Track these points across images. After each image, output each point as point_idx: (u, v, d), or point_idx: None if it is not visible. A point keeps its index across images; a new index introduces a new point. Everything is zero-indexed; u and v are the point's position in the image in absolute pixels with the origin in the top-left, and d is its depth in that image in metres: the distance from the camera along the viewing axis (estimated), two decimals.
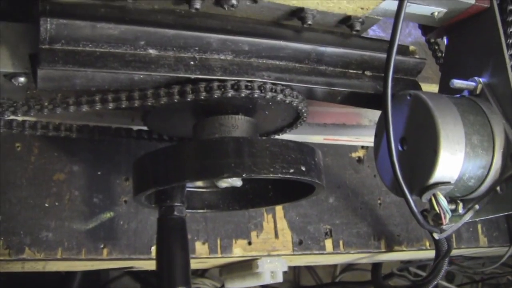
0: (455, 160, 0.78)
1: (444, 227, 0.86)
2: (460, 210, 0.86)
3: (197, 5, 0.74)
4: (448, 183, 0.79)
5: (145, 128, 0.92)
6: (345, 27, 0.86)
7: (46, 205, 0.94)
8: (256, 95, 0.76)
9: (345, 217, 1.14)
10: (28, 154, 0.95)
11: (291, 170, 0.74)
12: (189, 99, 0.75)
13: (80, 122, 0.88)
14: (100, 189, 0.98)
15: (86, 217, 0.96)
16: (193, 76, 0.74)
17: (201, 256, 1.03)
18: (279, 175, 0.73)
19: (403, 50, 0.90)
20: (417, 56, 0.90)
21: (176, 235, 0.84)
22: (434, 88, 1.10)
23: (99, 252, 0.96)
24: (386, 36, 1.14)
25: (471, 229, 1.24)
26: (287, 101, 0.79)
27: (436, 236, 0.92)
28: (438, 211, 0.81)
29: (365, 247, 1.15)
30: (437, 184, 0.78)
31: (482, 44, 0.87)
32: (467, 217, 0.86)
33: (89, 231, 0.96)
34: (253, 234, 1.06)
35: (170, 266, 0.82)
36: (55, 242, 0.93)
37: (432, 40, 1.01)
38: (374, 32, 1.16)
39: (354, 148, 1.18)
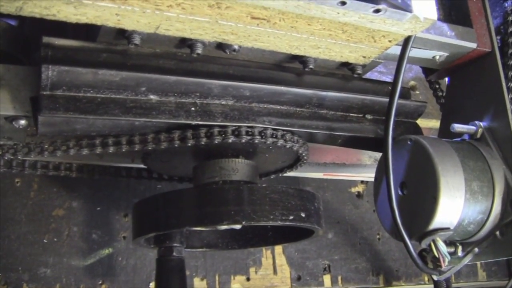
0: (454, 207, 0.78)
1: (443, 269, 0.86)
2: (459, 253, 0.86)
3: (199, 50, 0.75)
4: (447, 229, 0.79)
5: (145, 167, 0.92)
6: (346, 69, 0.86)
7: (45, 241, 0.94)
8: (257, 141, 0.76)
9: (344, 253, 1.14)
10: (27, 190, 0.95)
11: (291, 217, 0.74)
12: (189, 145, 0.75)
13: (80, 162, 0.87)
14: (99, 225, 0.98)
15: (85, 253, 0.96)
16: (194, 123, 0.74)
17: None
18: (279, 222, 0.73)
19: (404, 93, 0.90)
20: (418, 99, 0.90)
21: (174, 276, 0.84)
22: (434, 123, 1.11)
23: None
24: (387, 71, 1.15)
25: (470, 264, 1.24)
26: (288, 146, 0.79)
27: (435, 277, 0.92)
28: (437, 256, 0.81)
29: (363, 283, 1.14)
30: (436, 230, 0.78)
31: (483, 88, 0.87)
32: (466, 260, 0.86)
33: (88, 267, 0.96)
34: (252, 270, 1.06)
35: None
36: (53, 279, 0.93)
37: (437, 87, 1.02)
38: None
39: (353, 183, 1.18)
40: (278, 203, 0.74)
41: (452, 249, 0.86)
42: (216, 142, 0.75)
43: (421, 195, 0.80)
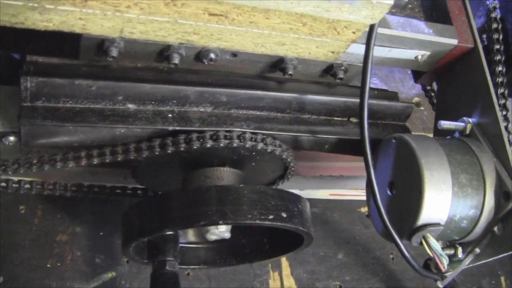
0: (442, 200, 0.76)
1: (447, 274, 0.83)
2: (460, 254, 0.83)
3: (176, 60, 0.77)
4: (437, 224, 0.76)
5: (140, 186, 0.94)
6: (330, 76, 0.86)
7: (48, 265, 0.96)
8: (235, 145, 0.77)
9: (356, 273, 1.11)
10: (31, 216, 0.98)
11: (270, 217, 0.73)
12: (169, 151, 0.76)
13: (75, 181, 0.90)
14: (102, 249, 1.00)
15: (88, 277, 0.97)
16: (170, 128, 0.76)
17: None
18: (257, 222, 0.73)
19: (390, 96, 0.90)
20: (405, 101, 0.89)
21: None
22: None
23: None
24: (389, 88, 1.15)
25: (493, 281, 1.19)
26: (269, 150, 0.79)
27: (439, 284, 0.88)
28: (431, 255, 0.79)
29: None
30: (425, 226, 0.76)
31: (470, 85, 0.86)
32: (467, 261, 0.83)
33: None
34: None
35: None
36: None
37: (429, 88, 1.01)
38: (376, 85, 1.17)
39: (362, 203, 1.16)
40: (256, 202, 0.74)
41: (452, 251, 0.84)
42: (195, 147, 0.76)
43: (407, 192, 0.78)
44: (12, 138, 0.77)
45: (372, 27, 0.70)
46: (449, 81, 0.90)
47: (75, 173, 0.92)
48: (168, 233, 0.86)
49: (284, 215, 0.75)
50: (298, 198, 0.79)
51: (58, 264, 0.97)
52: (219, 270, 1.04)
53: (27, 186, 0.86)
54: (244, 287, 1.04)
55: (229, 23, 0.67)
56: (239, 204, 0.73)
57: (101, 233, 1.00)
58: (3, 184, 0.85)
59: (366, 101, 0.72)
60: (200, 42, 0.71)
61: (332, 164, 1.12)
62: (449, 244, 0.84)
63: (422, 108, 1.17)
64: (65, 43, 0.78)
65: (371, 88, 0.90)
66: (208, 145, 0.76)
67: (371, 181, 0.75)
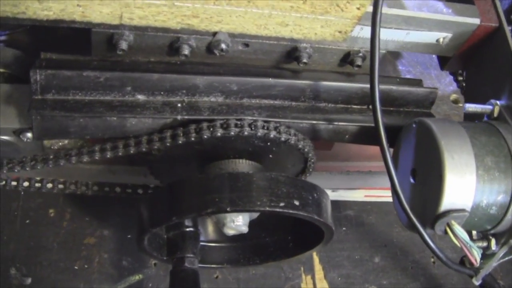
0: (465, 184, 0.71)
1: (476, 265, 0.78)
2: (493, 247, 0.78)
3: (186, 51, 0.77)
4: (462, 210, 0.71)
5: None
6: (349, 66, 0.84)
7: (76, 267, 0.97)
8: (246, 133, 0.75)
9: (394, 277, 1.06)
10: (60, 220, 0.99)
11: (281, 204, 0.71)
12: (180, 142, 0.75)
13: (96, 180, 0.90)
14: (129, 252, 0.99)
15: (115, 279, 0.97)
16: (179, 117, 0.75)
17: None
18: (267, 209, 0.70)
19: (414, 83, 0.86)
20: (428, 87, 0.85)
21: (187, 286, 0.82)
22: None
23: None
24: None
25: None
26: (283, 139, 0.77)
27: (474, 281, 0.83)
28: (458, 245, 0.74)
29: None
30: (448, 211, 0.71)
31: (497, 67, 0.81)
32: (501, 253, 0.77)
33: None
34: None
35: None
36: None
37: (460, 78, 0.96)
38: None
39: None
40: (266, 189, 0.71)
41: (485, 243, 0.78)
42: (205, 136, 0.75)
43: (429, 178, 0.74)
44: (29, 135, 0.79)
45: (376, 1, 0.68)
46: (476, 65, 0.85)
47: (96, 172, 0.93)
48: (187, 229, 0.86)
49: (296, 202, 0.72)
50: (313, 186, 0.76)
51: (86, 266, 0.97)
52: (249, 273, 1.01)
53: (49, 185, 0.87)
54: None
55: (227, 3, 0.66)
56: (248, 190, 0.71)
57: (129, 236, 1.00)
58: (26, 183, 0.86)
59: (377, 76, 0.69)
60: (201, 26, 0.71)
61: (367, 164, 1.08)
62: (482, 236, 0.79)
63: (460, 104, 1.12)
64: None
65: (393, 77, 0.88)
66: (219, 134, 0.75)
67: (387, 165, 0.72)
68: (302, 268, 1.03)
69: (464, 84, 0.94)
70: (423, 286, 1.06)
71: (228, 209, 0.70)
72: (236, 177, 0.73)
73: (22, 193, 0.99)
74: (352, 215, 1.10)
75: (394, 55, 1.11)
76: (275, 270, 1.03)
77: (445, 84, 1.15)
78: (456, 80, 0.97)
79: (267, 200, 0.71)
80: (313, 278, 1.03)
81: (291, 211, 0.72)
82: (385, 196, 1.10)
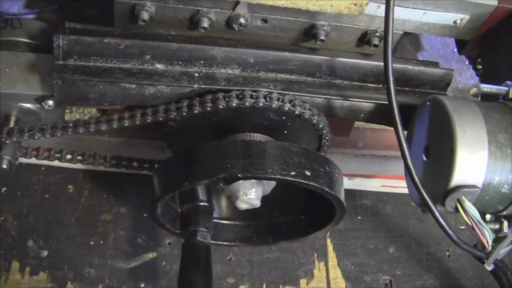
0: (477, 160, 0.71)
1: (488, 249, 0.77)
2: (505, 229, 0.77)
3: (205, 23, 0.78)
4: (473, 186, 0.71)
5: None
6: (367, 47, 0.85)
7: (91, 243, 0.98)
8: (261, 104, 0.76)
9: (408, 268, 1.05)
10: (79, 196, 1.01)
11: (292, 173, 0.72)
12: (196, 112, 0.76)
13: (114, 153, 0.91)
14: (144, 230, 1.01)
15: (129, 256, 0.98)
16: (195, 86, 0.77)
17: None
18: (278, 176, 0.71)
19: (431, 65, 0.86)
20: (444, 68, 0.85)
21: (198, 259, 0.83)
22: None
23: None
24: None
25: None
26: (297, 112, 0.78)
27: (486, 266, 0.82)
28: (469, 223, 0.73)
29: None
30: (459, 187, 0.71)
31: None
32: None
33: (131, 270, 0.97)
34: (303, 281, 1.01)
35: None
36: (97, 279, 0.96)
37: (479, 67, 0.96)
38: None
39: None
40: (278, 158, 0.72)
41: (497, 225, 0.77)
42: (221, 106, 0.76)
43: (440, 154, 0.74)
44: (50, 102, 0.81)
45: None
46: (494, 49, 0.85)
47: (114, 144, 0.95)
48: (201, 204, 0.87)
49: (308, 173, 0.73)
50: (326, 160, 0.77)
51: (101, 242, 0.98)
52: (262, 257, 1.02)
53: (69, 156, 0.89)
54: (287, 275, 1.01)
55: None
56: (259, 158, 0.72)
57: (145, 215, 1.01)
58: (46, 153, 0.88)
59: (390, 42, 0.69)
60: None
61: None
62: (494, 218, 0.78)
63: (479, 99, 1.12)
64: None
65: (410, 59, 0.88)
66: (234, 104, 0.76)
67: (399, 137, 0.72)
68: (315, 255, 1.03)
69: (481, 69, 0.94)
70: (438, 278, 1.05)
71: (239, 175, 0.71)
72: (248, 144, 0.74)
73: (43, 168, 1.02)
74: (368, 205, 1.10)
75: (414, 47, 1.11)
76: (289, 254, 1.03)
77: (466, 78, 1.16)
78: (474, 68, 0.97)
79: (278, 168, 0.71)
80: (326, 265, 1.03)
81: (301, 181, 0.72)
82: (402, 187, 1.10)
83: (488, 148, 0.71)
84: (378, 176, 1.09)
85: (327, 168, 0.76)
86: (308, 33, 0.83)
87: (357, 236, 1.06)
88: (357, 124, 1.07)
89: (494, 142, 0.72)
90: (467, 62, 1.11)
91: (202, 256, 0.84)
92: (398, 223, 1.09)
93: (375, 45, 0.83)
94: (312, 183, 0.73)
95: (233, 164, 0.71)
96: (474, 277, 1.06)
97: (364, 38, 0.84)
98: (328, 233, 1.06)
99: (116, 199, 1.02)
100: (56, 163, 0.91)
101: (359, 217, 1.08)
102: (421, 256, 1.07)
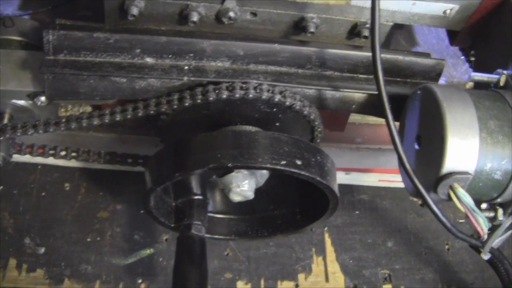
0: (468, 146, 0.70)
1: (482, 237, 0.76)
2: (500, 217, 0.76)
3: (194, 17, 0.79)
4: (465, 173, 0.71)
5: None
6: (357, 39, 0.85)
7: (88, 240, 0.98)
8: (251, 96, 0.76)
9: (407, 262, 1.05)
10: (75, 194, 1.02)
11: (283, 162, 0.72)
12: (187, 104, 0.77)
13: (107, 149, 0.92)
14: (141, 227, 1.01)
15: (126, 252, 0.98)
16: (185, 78, 0.77)
17: None
18: (268, 165, 0.71)
19: (421, 55, 0.86)
20: (435, 58, 0.85)
21: (193, 253, 0.83)
22: None
23: (137, 287, 0.96)
24: None
25: None
26: (288, 103, 0.78)
27: (483, 256, 0.81)
28: (462, 210, 0.73)
29: None
30: (451, 173, 0.71)
31: (504, 39, 0.81)
32: (508, 223, 0.76)
33: (128, 266, 0.97)
34: (301, 276, 1.01)
35: (185, 283, 0.80)
36: (94, 275, 0.96)
37: (472, 59, 0.96)
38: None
39: None
40: (268, 147, 0.72)
41: (492, 214, 0.77)
42: (211, 99, 0.76)
43: (432, 142, 0.74)
44: (42, 98, 0.82)
45: None
46: (485, 38, 0.85)
47: (107, 140, 0.95)
48: (195, 197, 0.87)
49: (298, 162, 0.73)
50: (317, 149, 0.77)
51: (98, 239, 0.98)
52: (259, 252, 1.02)
53: (63, 153, 0.89)
54: (285, 270, 1.01)
55: None
56: (250, 148, 0.72)
57: (141, 211, 1.01)
58: (40, 150, 0.89)
59: (377, 29, 0.69)
60: None
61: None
62: (489, 206, 0.78)
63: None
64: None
65: (401, 50, 0.88)
66: (224, 96, 0.76)
67: (388, 124, 0.72)
68: (313, 249, 1.03)
69: (473, 60, 0.94)
70: (437, 272, 1.04)
71: (229, 164, 0.71)
72: (239, 134, 0.74)
73: (39, 167, 1.02)
74: (366, 200, 1.09)
75: (409, 43, 1.11)
76: (287, 250, 1.03)
77: (461, 73, 1.16)
78: (468, 60, 0.96)
79: (268, 157, 0.71)
80: (324, 259, 1.03)
81: (292, 170, 0.72)
82: (400, 181, 1.09)
83: (479, 134, 0.71)
84: (375, 170, 1.09)
85: (318, 157, 0.76)
86: (298, 26, 0.83)
87: (355, 231, 1.06)
88: (353, 119, 1.07)
89: (485, 128, 0.72)
90: (462, 57, 1.11)
91: (197, 249, 0.84)
92: (396, 218, 1.08)
93: (365, 37, 0.83)
94: (303, 172, 0.73)
95: (223, 154, 0.71)
96: (473, 271, 1.05)
97: (354, 30, 0.84)
98: (326, 228, 1.05)
99: (113, 196, 1.02)
100: (51, 160, 0.91)
101: (357, 212, 1.08)
102: (420, 250, 1.06)
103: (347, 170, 1.07)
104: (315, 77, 0.82)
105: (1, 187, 1.00)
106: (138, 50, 0.78)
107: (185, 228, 0.84)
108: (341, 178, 1.05)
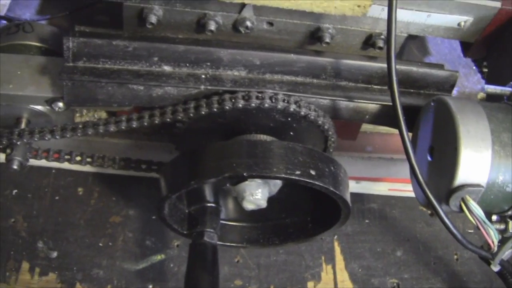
0: (480, 159, 0.71)
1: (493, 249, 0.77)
2: (511, 229, 0.77)
3: (212, 26, 0.80)
4: (477, 185, 0.72)
5: None
6: (372, 49, 0.86)
7: (100, 244, 0.99)
8: (267, 105, 0.77)
9: (416, 272, 1.05)
10: (88, 198, 1.02)
11: (297, 172, 0.72)
12: (203, 113, 0.78)
13: (123, 156, 0.93)
14: (153, 232, 1.02)
15: (137, 258, 0.99)
16: (202, 87, 0.78)
17: None
18: (283, 175, 0.72)
19: (435, 66, 0.87)
20: (449, 69, 0.86)
21: (205, 260, 0.83)
22: None
23: None
24: None
25: None
26: (302, 113, 0.79)
27: (493, 267, 0.82)
28: (473, 222, 0.73)
29: None
30: (463, 186, 0.71)
31: None
32: None
33: (139, 271, 0.98)
34: (310, 284, 1.01)
35: None
36: (105, 280, 0.97)
37: (485, 70, 0.97)
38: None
39: None
40: (283, 157, 0.73)
41: (503, 226, 0.78)
42: (227, 107, 0.77)
43: (445, 153, 0.74)
44: (60, 104, 0.83)
45: None
46: (499, 50, 0.86)
47: (123, 146, 0.96)
48: (208, 205, 0.87)
49: (312, 172, 0.74)
50: (330, 159, 0.77)
51: (110, 244, 0.99)
52: (270, 259, 1.02)
53: (78, 158, 0.90)
54: (294, 278, 1.02)
55: None
56: (265, 157, 0.73)
57: (153, 217, 1.02)
58: (56, 155, 0.90)
59: (394, 41, 0.70)
60: None
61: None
62: (500, 219, 0.79)
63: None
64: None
65: (415, 61, 0.89)
66: (240, 105, 0.77)
67: (402, 135, 0.72)
68: (323, 258, 1.04)
69: (486, 71, 0.95)
70: (445, 282, 1.05)
71: (245, 174, 0.71)
72: (254, 144, 0.75)
73: (53, 171, 1.03)
74: (375, 208, 1.10)
75: (422, 53, 1.12)
76: (296, 257, 1.03)
77: (473, 83, 1.16)
78: (480, 71, 0.97)
79: (283, 167, 0.72)
80: (333, 267, 1.03)
81: (306, 180, 0.73)
82: (410, 190, 1.10)
83: (491, 147, 0.72)
84: (385, 179, 1.09)
85: (332, 168, 0.77)
86: (313, 36, 0.84)
87: (364, 240, 1.07)
88: (365, 128, 1.08)
89: (497, 141, 0.72)
90: (474, 67, 1.11)
91: (209, 257, 0.84)
92: (406, 227, 1.09)
93: (380, 48, 0.84)
94: (317, 182, 0.73)
95: (238, 163, 0.72)
96: (482, 281, 1.05)
97: (369, 41, 0.85)
98: (336, 236, 1.06)
99: (125, 201, 1.03)
100: (66, 165, 0.93)
101: (366, 221, 1.09)
102: (429, 259, 1.07)
103: (358, 179, 1.08)
104: (330, 87, 0.83)
105: (15, 190, 1.01)
106: (156, 58, 0.79)
107: (197, 235, 0.85)
108: (352, 186, 1.04)
